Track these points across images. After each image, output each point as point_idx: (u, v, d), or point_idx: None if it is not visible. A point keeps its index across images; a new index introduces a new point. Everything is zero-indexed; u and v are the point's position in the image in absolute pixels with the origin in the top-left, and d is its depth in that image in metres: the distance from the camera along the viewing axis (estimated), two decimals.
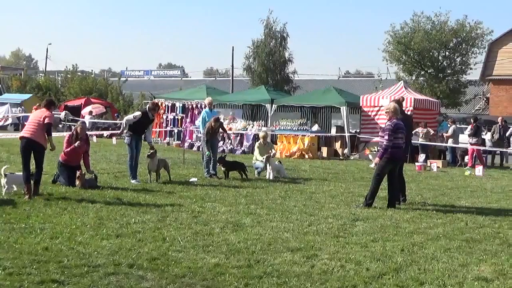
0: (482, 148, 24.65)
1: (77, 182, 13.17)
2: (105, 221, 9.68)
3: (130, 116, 15.50)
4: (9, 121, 40.97)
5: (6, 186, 11.88)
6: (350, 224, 10.27)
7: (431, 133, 25.07)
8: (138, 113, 15.33)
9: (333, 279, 6.96)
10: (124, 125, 15.30)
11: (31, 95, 48.36)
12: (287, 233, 9.35)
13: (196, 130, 26.54)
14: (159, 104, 31.79)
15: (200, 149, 19.19)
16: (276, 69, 43.09)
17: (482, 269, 7.63)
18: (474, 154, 24.22)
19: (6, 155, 19.58)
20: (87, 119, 36.16)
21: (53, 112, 12.52)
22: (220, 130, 17.41)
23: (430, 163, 22.52)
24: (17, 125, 40.21)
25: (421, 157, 23.33)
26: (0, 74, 66.69)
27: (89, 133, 30.71)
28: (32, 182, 11.72)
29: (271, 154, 17.00)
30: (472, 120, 25.53)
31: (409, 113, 24.40)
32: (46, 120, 11.90)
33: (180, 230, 9.24)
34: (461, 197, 14.57)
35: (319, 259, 7.82)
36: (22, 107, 41.24)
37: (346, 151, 26.51)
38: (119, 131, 15.68)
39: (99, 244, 8.11)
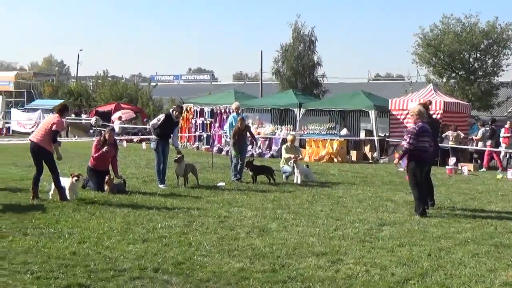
0: (497, 150, 24.26)
1: (106, 187, 13.29)
2: (132, 226, 9.77)
3: (154, 120, 15.64)
4: None
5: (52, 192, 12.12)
6: (377, 229, 10.22)
7: (461, 136, 24.81)
8: (161, 116, 15.49)
9: (357, 284, 6.94)
10: (152, 130, 15.43)
11: (63, 100, 48.94)
12: (313, 237, 9.34)
13: (225, 135, 26.62)
14: (187, 108, 32.14)
15: (229, 153, 19.21)
16: (305, 73, 42.94)
17: (510, 274, 7.53)
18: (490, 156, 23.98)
19: None
20: (117, 125, 36.47)
21: (64, 119, 12.55)
22: (248, 134, 17.41)
23: (461, 167, 22.27)
24: None
25: (452, 160, 23.08)
26: (32, 80, 67.60)
27: (119, 138, 31.08)
28: (52, 187, 11.92)
29: (297, 158, 16.92)
30: (489, 122, 25.25)
31: (438, 116, 24.27)
32: (53, 127, 12.01)
33: (206, 235, 9.29)
34: (492, 201, 14.37)
35: (344, 263, 7.79)
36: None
37: (375, 154, 26.37)
38: (150, 136, 15.79)
39: (126, 249, 8.19)
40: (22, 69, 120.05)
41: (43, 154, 12.06)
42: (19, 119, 43.12)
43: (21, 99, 59.04)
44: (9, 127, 42.23)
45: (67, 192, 12.05)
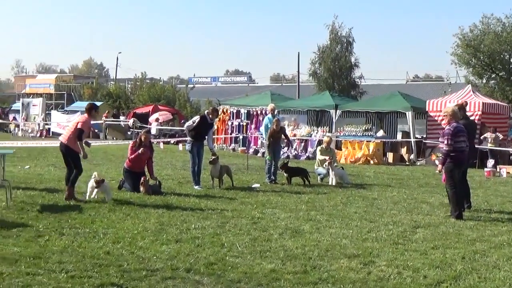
0: None
1: (141, 188, 13.42)
2: (166, 227, 9.86)
3: (189, 122, 15.73)
4: None
5: (94, 192, 12.35)
6: (411, 231, 10.15)
7: (500, 138, 24.46)
8: (196, 117, 15.59)
9: (388, 286, 6.92)
10: (187, 132, 15.54)
11: (102, 102, 49.55)
12: (346, 239, 9.32)
13: (261, 137, 26.66)
14: (223, 110, 32.26)
15: (264, 155, 19.21)
16: (342, 74, 42.83)
17: None
18: None
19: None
20: (154, 126, 36.78)
21: (90, 118, 12.63)
22: (282, 136, 17.41)
23: (500, 169, 21.97)
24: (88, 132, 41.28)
25: (490, 162, 22.78)
26: (72, 83, 68.69)
27: (156, 140, 31.34)
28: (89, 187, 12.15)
29: (331, 160, 16.87)
30: None
31: (476, 117, 23.96)
32: (79, 126, 12.19)
33: (239, 236, 9.33)
34: None
35: (376, 265, 7.76)
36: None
37: (412, 156, 26.14)
38: (186, 138, 15.93)
39: (159, 249, 8.27)
40: (63, 71, 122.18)
41: (69, 153, 12.32)
42: (59, 121, 43.75)
43: (61, 101, 60.01)
44: (49, 129, 42.86)
45: (88, 191, 12.34)
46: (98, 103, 47.44)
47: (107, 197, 12.24)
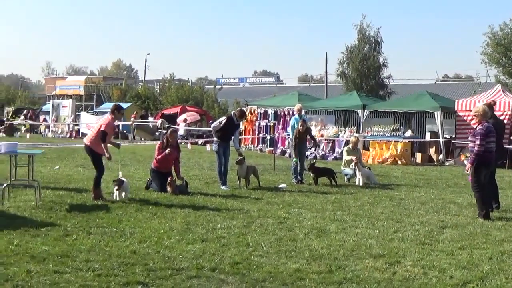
0: None
1: (168, 188, 13.52)
2: (192, 226, 9.92)
3: (216, 123, 15.79)
4: None
5: (116, 193, 12.50)
6: (438, 231, 10.08)
7: None
8: (223, 118, 15.64)
9: (414, 286, 6.88)
10: (214, 132, 15.61)
11: (131, 103, 49.96)
12: (371, 239, 9.29)
13: (288, 137, 26.64)
14: (251, 110, 32.30)
15: (291, 156, 19.12)
16: (370, 74, 42.62)
17: None
18: None
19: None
20: (182, 127, 36.96)
21: (114, 120, 12.71)
22: (308, 137, 17.38)
23: None
24: (117, 133, 41.61)
25: None
26: (101, 84, 69.36)
27: (183, 140, 31.50)
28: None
29: (357, 161, 16.81)
30: None
31: (506, 117, 23.67)
32: (102, 128, 12.33)
33: (264, 236, 9.35)
34: None
35: (401, 266, 7.72)
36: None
37: (440, 157, 25.92)
38: (213, 139, 16.00)
39: (184, 248, 8.32)
40: (92, 73, 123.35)
41: (92, 154, 12.51)
42: (88, 122, 44.18)
43: (91, 103, 60.63)
44: (78, 130, 43.34)
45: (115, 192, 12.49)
46: (127, 104, 48.24)
47: (125, 196, 12.43)
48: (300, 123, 16.98)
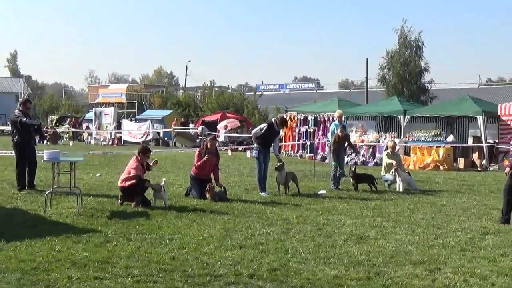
0: None
1: (207, 195, 13.58)
2: (231, 233, 9.95)
3: (256, 129, 15.80)
4: (150, 136, 42.87)
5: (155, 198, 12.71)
6: (479, 238, 9.93)
7: None
8: (264, 125, 15.64)
9: None
10: (254, 139, 15.64)
11: (171, 111, 50.41)
12: (411, 246, 9.19)
13: (328, 143, 26.55)
14: (291, 116, 32.28)
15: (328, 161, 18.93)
16: (411, 79, 42.18)
17: None
18: None
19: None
20: (222, 133, 37.15)
21: (143, 160, 13.14)
22: (346, 144, 17.27)
23: None
24: (158, 140, 42.07)
25: None
26: (143, 92, 70.13)
27: (224, 147, 31.65)
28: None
29: (397, 166, 16.66)
30: None
31: None
32: (132, 173, 12.73)
33: (303, 242, 9.33)
34: None
35: (441, 272, 7.63)
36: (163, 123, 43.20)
37: (484, 162, 25.52)
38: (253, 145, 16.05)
39: (223, 255, 8.35)
40: (134, 81, 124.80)
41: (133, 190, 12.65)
42: (130, 129, 44.75)
43: (132, 110, 61.32)
44: (120, 137, 43.91)
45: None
46: (167, 112, 48.71)
47: (164, 203, 12.59)
48: (339, 129, 16.93)
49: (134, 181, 12.54)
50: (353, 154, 24.00)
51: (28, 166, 14.55)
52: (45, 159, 12.13)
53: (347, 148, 17.87)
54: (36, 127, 15.20)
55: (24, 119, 14.32)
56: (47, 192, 11.90)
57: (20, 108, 14.74)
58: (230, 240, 9.38)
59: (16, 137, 14.55)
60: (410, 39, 42.13)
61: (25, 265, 7.46)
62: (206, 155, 14.11)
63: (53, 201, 12.29)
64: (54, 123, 53.33)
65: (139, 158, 13.04)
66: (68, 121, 52.22)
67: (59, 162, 12.24)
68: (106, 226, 10.27)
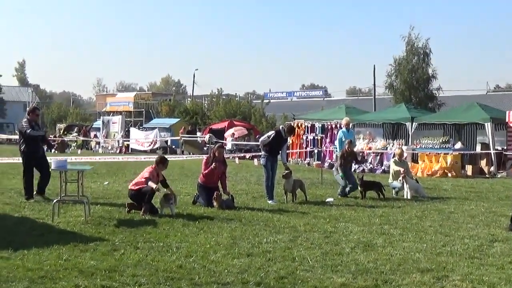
0: None
1: (215, 203, 13.58)
2: (238, 241, 9.93)
3: (264, 137, 15.80)
4: (158, 144, 42.94)
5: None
6: (488, 245, 9.88)
7: None
8: (271, 132, 15.64)
9: None
10: (262, 146, 15.64)
11: (179, 119, 50.50)
12: (419, 253, 9.15)
13: (336, 151, 26.49)
14: (298, 124, 32.27)
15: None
16: (419, 86, 42.14)
17: None
18: None
19: None
20: (229, 141, 37.17)
21: (159, 170, 13.25)
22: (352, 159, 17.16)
23: None
24: (165, 148, 42.14)
25: None
26: (150, 100, 70.27)
27: (231, 155, 31.65)
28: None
29: (405, 173, 16.62)
30: None
31: None
32: (146, 175, 12.90)
33: (310, 250, 9.31)
34: None
35: (449, 280, 7.59)
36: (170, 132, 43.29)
37: (492, 169, 25.44)
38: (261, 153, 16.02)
39: (230, 263, 8.34)
40: (141, 89, 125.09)
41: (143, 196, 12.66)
42: (138, 138, 44.86)
43: (140, 119, 61.44)
44: (128, 146, 44.02)
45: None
46: (175, 120, 48.80)
47: (171, 210, 12.59)
48: (347, 143, 16.82)
49: (144, 186, 12.61)
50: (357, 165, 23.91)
51: (40, 174, 14.58)
52: (52, 167, 12.17)
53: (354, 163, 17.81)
54: (41, 137, 15.16)
55: (28, 131, 14.32)
56: (54, 201, 11.93)
57: (29, 116, 14.77)
58: (237, 248, 9.36)
59: (23, 147, 14.60)
60: (417, 46, 42.14)
61: (32, 274, 7.47)
62: (214, 163, 14.12)
63: (61, 209, 12.30)
64: (62, 131, 53.50)
65: (156, 167, 13.09)
66: (76, 129, 52.36)
67: (67, 171, 12.26)
68: (114, 234, 10.28)
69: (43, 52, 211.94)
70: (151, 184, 12.66)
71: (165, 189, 12.99)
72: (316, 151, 30.82)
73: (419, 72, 41.75)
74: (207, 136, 37.55)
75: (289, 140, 30.42)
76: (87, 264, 8.06)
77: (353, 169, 18.66)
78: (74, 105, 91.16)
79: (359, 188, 16.34)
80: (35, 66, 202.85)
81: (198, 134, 44.56)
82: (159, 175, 13.16)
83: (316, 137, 32.00)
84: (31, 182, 14.51)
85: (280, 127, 16.02)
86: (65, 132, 52.50)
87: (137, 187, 12.74)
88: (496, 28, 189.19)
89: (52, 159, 12.48)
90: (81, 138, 48.24)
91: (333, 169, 17.10)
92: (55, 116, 78.41)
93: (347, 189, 16.47)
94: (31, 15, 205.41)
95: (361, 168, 25.68)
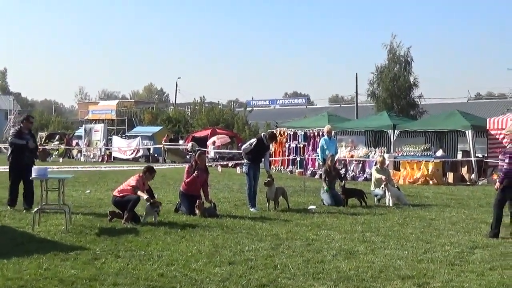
0: None
1: (197, 211, 13.55)
2: (220, 249, 9.92)
3: (246, 144, 15.82)
4: (140, 153, 42.75)
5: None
6: (468, 252, 9.95)
7: None
8: (253, 140, 15.67)
9: None
10: (244, 154, 15.63)
11: (162, 127, 50.36)
12: (400, 260, 9.19)
13: (318, 158, 26.53)
14: (280, 132, 32.31)
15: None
16: (401, 94, 42.41)
17: None
18: None
19: None
20: (212, 150, 37.11)
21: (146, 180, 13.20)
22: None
23: None
24: (148, 157, 41.99)
25: None
26: (133, 108, 70.10)
27: (214, 163, 31.61)
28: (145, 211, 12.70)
29: (386, 181, 16.69)
30: None
31: None
32: (132, 183, 12.87)
33: (292, 258, 9.31)
34: None
35: (430, 287, 7.66)
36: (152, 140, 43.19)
37: (473, 176, 25.60)
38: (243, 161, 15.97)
39: (212, 271, 8.32)
40: (124, 97, 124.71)
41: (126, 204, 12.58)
42: (120, 146, 44.66)
43: (123, 127, 61.24)
44: (110, 154, 43.83)
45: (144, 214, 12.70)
46: (158, 128, 48.66)
47: (154, 218, 12.57)
48: (328, 157, 16.76)
49: (130, 194, 12.57)
50: (343, 170, 23.96)
51: (24, 187, 14.33)
52: (33, 176, 12.08)
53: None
54: (29, 146, 14.63)
55: (10, 138, 14.18)
56: (35, 210, 11.85)
57: (22, 124, 14.57)
58: (219, 256, 9.35)
59: (9, 154, 14.49)
60: (399, 55, 42.47)
61: (12, 283, 7.42)
62: (196, 171, 14.11)
63: (42, 218, 12.20)
64: (43, 140, 53.13)
65: (143, 176, 13.05)
66: (58, 138, 52.01)
67: (47, 179, 12.17)
68: (95, 243, 10.22)
69: (24, 60, 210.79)
70: (141, 194, 12.65)
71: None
72: (298, 159, 30.84)
73: (401, 80, 42.03)
74: (190, 144, 37.47)
75: (272, 148, 30.55)
76: (68, 273, 8.00)
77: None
78: (56, 113, 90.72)
79: (341, 195, 16.35)
80: (16, 74, 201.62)
81: (181, 142, 44.46)
82: (145, 185, 13.12)
83: (298, 145, 32.00)
84: (15, 190, 14.34)
85: (262, 134, 16.04)
86: (47, 141, 52.13)
87: (121, 194, 12.68)
88: (477, 37, 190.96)
89: (33, 168, 12.39)
90: (63, 146, 47.92)
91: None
92: (37, 124, 77.75)
93: (329, 202, 16.37)
94: (12, 23, 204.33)
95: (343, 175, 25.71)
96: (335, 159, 17.83)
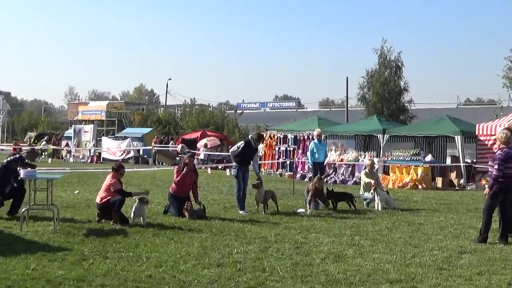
0: None
1: (186, 213, 13.53)
2: (209, 251, 9.90)
3: (234, 147, 15.84)
4: (130, 154, 42.66)
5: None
6: (456, 257, 9.97)
7: None
8: (241, 143, 15.69)
9: None
10: (232, 157, 15.64)
11: (151, 129, 50.29)
12: (389, 264, 9.20)
13: (308, 161, 26.53)
14: (270, 135, 32.34)
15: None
16: (391, 98, 42.52)
17: None
18: None
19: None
20: (202, 152, 37.06)
21: (119, 176, 13.19)
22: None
23: None
24: (137, 158, 41.91)
25: None
26: (123, 109, 69.95)
27: (203, 165, 31.58)
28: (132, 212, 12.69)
29: (376, 184, 16.71)
30: None
31: None
32: (112, 189, 12.77)
33: (281, 261, 9.30)
34: None
35: None
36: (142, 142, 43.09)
37: (461, 181, 25.71)
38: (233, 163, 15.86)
39: (200, 273, 8.30)
40: (114, 98, 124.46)
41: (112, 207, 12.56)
42: (110, 147, 44.54)
43: (112, 128, 61.10)
44: (100, 155, 43.72)
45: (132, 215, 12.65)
46: (148, 130, 48.58)
47: (143, 220, 12.56)
48: (316, 180, 16.36)
49: (114, 196, 12.50)
50: (333, 173, 23.95)
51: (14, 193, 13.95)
52: (21, 176, 12.02)
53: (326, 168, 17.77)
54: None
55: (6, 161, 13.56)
56: (23, 210, 11.79)
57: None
58: (207, 258, 9.33)
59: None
60: (389, 59, 42.60)
61: None
62: (185, 168, 14.12)
63: (30, 218, 12.16)
64: (32, 140, 52.94)
65: (117, 175, 13.02)
66: (46, 138, 51.83)
67: (36, 179, 12.11)
68: (83, 244, 10.19)
69: (14, 59, 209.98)
70: (126, 192, 12.71)
71: (137, 195, 12.89)
72: (288, 162, 30.85)
73: (391, 84, 42.14)
74: (179, 146, 37.44)
75: (261, 151, 30.58)
76: (55, 274, 7.96)
77: (325, 179, 18.61)
78: (46, 113, 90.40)
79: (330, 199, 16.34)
80: (6, 73, 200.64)
81: (171, 144, 44.40)
82: (121, 183, 13.12)
83: (288, 148, 32.05)
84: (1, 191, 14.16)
85: (250, 136, 16.04)
86: (36, 141, 51.95)
87: (104, 200, 12.63)
88: (467, 43, 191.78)
89: (21, 169, 12.34)
90: (52, 147, 47.75)
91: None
92: (26, 124, 77.63)
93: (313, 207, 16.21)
94: (2, 22, 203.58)
95: (332, 180, 25.80)
96: (323, 177, 17.43)
